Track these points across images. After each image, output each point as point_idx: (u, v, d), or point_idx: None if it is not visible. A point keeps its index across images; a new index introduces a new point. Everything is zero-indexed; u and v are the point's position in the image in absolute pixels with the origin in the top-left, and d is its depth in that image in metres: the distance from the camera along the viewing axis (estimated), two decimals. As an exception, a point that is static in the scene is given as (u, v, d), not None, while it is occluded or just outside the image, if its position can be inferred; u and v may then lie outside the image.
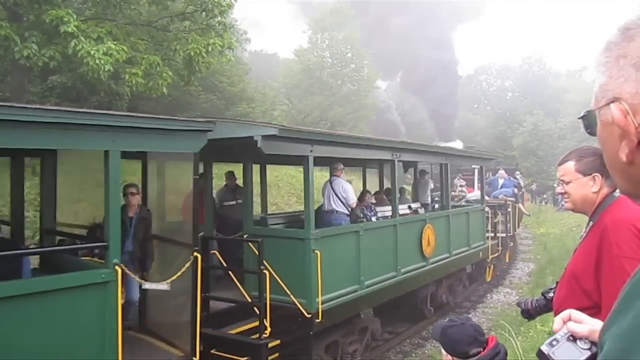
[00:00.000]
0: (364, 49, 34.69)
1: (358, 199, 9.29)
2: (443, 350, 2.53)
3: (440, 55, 36.89)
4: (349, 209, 8.01)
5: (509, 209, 14.79)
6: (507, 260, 15.06)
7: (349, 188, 7.93)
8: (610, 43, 0.80)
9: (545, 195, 37.15)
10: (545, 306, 2.65)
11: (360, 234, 7.38)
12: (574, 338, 1.11)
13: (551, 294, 2.58)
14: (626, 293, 0.68)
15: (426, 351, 8.85)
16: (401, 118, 45.83)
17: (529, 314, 2.77)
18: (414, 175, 12.69)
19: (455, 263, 10.54)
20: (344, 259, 7.11)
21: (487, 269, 12.72)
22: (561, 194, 2.45)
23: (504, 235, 14.11)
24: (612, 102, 0.78)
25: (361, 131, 32.44)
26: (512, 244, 15.41)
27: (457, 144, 33.02)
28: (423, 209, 11.55)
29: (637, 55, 0.75)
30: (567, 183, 2.35)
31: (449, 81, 37.54)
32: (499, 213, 13.80)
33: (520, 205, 16.44)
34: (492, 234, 13.00)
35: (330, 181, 8.09)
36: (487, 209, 12.91)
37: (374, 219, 8.69)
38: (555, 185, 30.96)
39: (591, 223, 2.26)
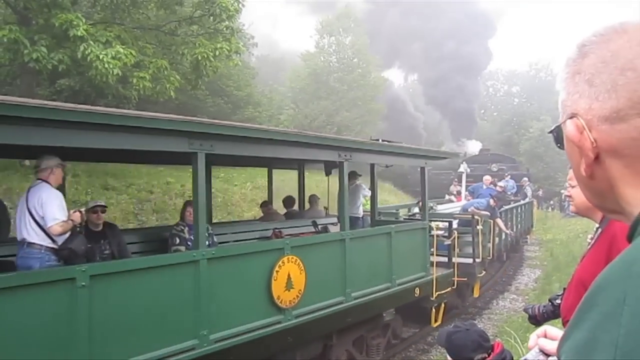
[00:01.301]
0: (372, 53, 34.65)
1: (180, 214, 6.43)
2: (448, 357, 2.53)
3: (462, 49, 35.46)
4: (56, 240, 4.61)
5: (480, 227, 10.99)
6: (475, 295, 11.33)
7: (52, 200, 4.52)
8: (569, 60, 0.83)
9: (552, 202, 37.01)
10: (553, 312, 2.65)
11: (80, 285, 3.83)
12: (546, 355, 1.08)
13: (558, 301, 2.58)
14: (582, 305, 0.68)
15: (431, 357, 8.82)
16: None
17: (537, 320, 2.77)
18: (339, 179, 8.54)
19: (357, 311, 6.85)
20: (30, 337, 3.61)
21: (432, 310, 8.90)
22: (568, 197, 2.47)
23: (469, 261, 10.50)
24: (571, 117, 0.80)
25: (367, 136, 32.45)
26: (482, 272, 11.30)
27: (473, 145, 31.54)
28: (339, 225, 8.32)
29: (590, 71, 0.78)
30: (574, 187, 2.37)
31: (468, 76, 35.75)
32: (455, 232, 10.16)
33: (499, 221, 12.65)
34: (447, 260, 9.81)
35: (30, 188, 4.71)
36: (441, 225, 10.04)
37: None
38: (562, 191, 30.03)
39: (600, 230, 2.26)
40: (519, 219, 17.04)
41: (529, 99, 51.27)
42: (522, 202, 18.92)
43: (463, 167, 17.61)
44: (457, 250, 9.97)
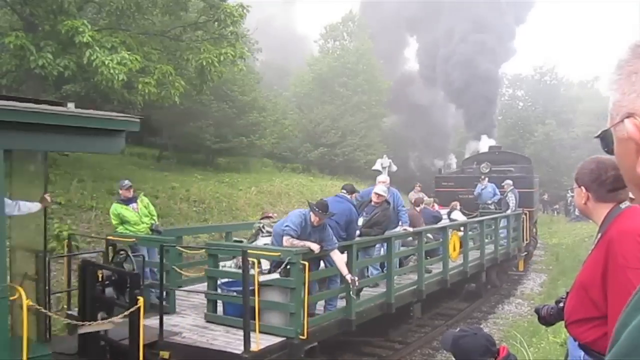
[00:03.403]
0: (377, 57, 34.58)
1: None
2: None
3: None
4: None
5: (275, 273, 6.04)
6: None
7: None
8: (622, 61, 0.82)
9: (557, 206, 36.89)
10: (559, 314, 2.66)
11: None
12: None
13: (562, 304, 2.59)
14: None
15: (437, 362, 8.80)
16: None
17: (545, 320, 2.79)
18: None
19: None
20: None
21: None
22: None
23: (235, 349, 5.48)
24: (627, 117, 0.79)
25: (372, 140, 32.49)
26: None
27: (483, 142, 27.11)
28: None
29: None
30: (573, 189, 2.47)
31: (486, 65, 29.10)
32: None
33: (337, 257, 6.52)
34: None
35: None
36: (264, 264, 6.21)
37: None
38: (568, 195, 29.50)
39: (599, 234, 2.28)
40: (490, 239, 12.79)
41: (534, 103, 51.19)
42: (491, 216, 13.44)
43: (379, 164, 12.56)
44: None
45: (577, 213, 29.16)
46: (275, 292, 5.96)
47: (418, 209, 10.72)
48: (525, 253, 15.94)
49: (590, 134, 41.74)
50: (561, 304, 2.60)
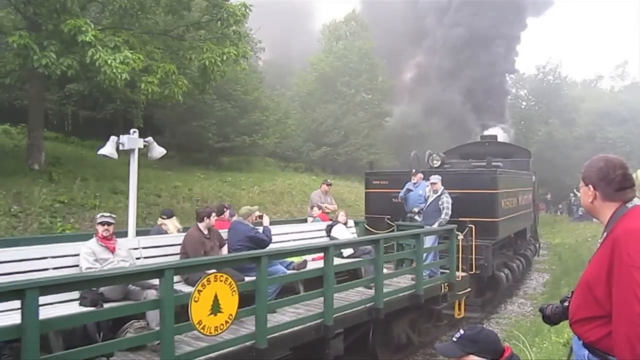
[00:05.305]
0: (380, 57, 34.47)
1: None
2: (476, 358, 2.45)
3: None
4: None
5: None
6: None
7: None
8: None
9: (560, 205, 36.79)
10: (563, 313, 2.65)
11: None
12: None
13: (567, 303, 2.58)
14: None
15: (439, 361, 8.77)
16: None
17: (550, 320, 2.78)
18: None
19: None
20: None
21: None
22: None
23: None
24: None
25: (374, 139, 32.45)
26: None
27: (495, 132, 20.77)
28: None
29: None
30: (580, 187, 2.46)
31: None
32: None
33: None
34: None
35: None
36: None
37: None
38: (570, 194, 29.29)
39: (605, 233, 2.28)
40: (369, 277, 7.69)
41: (537, 103, 51.09)
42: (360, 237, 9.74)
43: (111, 144, 6.33)
44: None
45: (580, 213, 29.11)
46: None
47: (202, 225, 6.57)
48: (467, 290, 9.79)
49: (593, 134, 41.42)
50: (566, 303, 2.59)
